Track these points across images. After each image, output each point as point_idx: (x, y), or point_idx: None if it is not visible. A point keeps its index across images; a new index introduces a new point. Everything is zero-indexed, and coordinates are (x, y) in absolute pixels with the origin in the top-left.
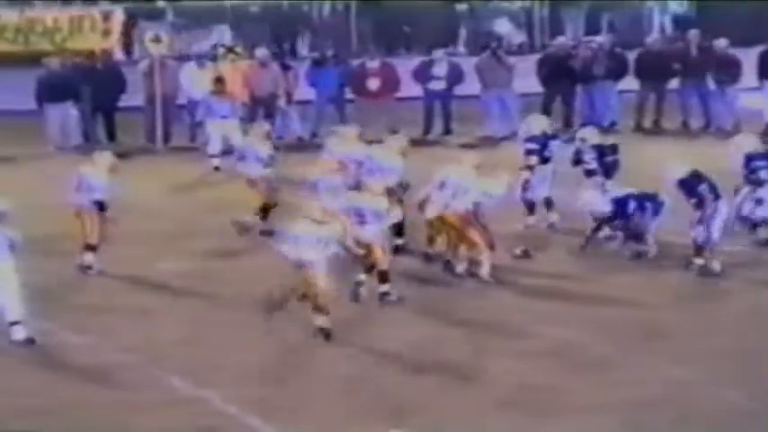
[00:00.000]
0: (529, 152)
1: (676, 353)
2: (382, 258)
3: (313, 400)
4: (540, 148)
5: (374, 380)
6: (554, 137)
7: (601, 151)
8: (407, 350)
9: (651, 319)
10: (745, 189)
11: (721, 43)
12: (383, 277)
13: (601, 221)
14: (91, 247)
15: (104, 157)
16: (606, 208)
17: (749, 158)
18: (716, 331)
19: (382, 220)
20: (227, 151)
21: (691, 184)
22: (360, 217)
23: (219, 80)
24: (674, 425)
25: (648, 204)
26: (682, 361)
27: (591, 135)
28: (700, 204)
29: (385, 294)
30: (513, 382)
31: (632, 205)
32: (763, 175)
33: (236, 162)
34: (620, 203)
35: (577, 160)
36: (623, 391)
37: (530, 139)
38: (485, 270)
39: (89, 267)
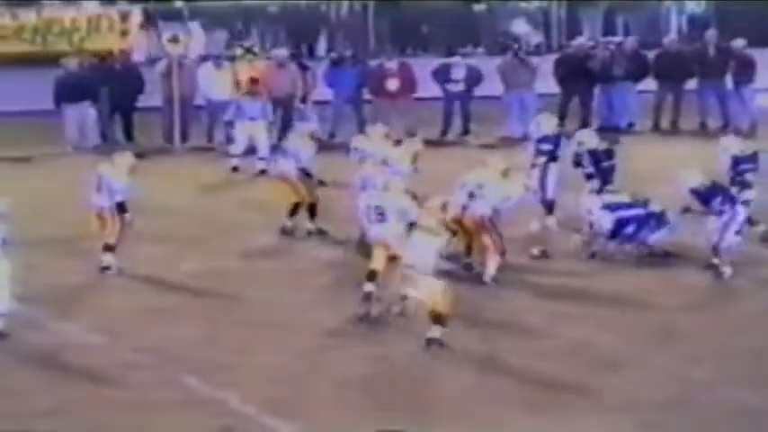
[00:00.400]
0: (542, 152)
1: (691, 353)
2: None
3: (329, 400)
4: (554, 148)
5: (389, 380)
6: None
7: (596, 156)
8: (422, 350)
9: (665, 319)
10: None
11: (739, 43)
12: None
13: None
14: (109, 248)
15: (125, 158)
16: (607, 225)
17: (736, 161)
18: (730, 331)
19: (405, 219)
20: (249, 151)
21: (705, 196)
22: (380, 215)
23: (254, 81)
24: (689, 425)
25: (652, 222)
26: (697, 361)
27: (588, 138)
28: (714, 212)
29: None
30: (528, 382)
31: (631, 228)
32: (749, 177)
33: (275, 160)
34: (620, 224)
35: (577, 162)
36: (639, 391)
37: (543, 140)
38: (489, 273)
39: (107, 268)
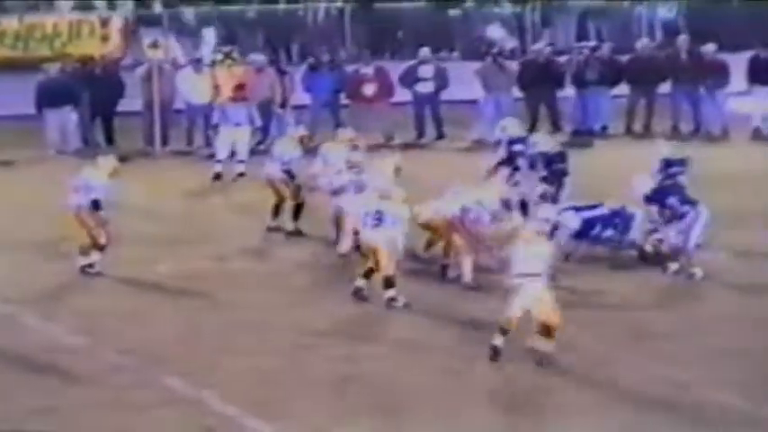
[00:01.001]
0: (518, 153)
1: (665, 353)
2: (387, 263)
3: (309, 400)
4: (525, 149)
5: (368, 379)
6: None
7: (548, 159)
8: (401, 350)
9: (640, 320)
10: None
11: (710, 48)
12: (388, 282)
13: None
14: (100, 247)
15: (108, 161)
16: (574, 225)
17: (668, 163)
18: (701, 332)
19: (399, 227)
20: (230, 155)
21: (659, 197)
22: (377, 220)
23: (240, 87)
24: (664, 423)
25: (617, 221)
26: (670, 361)
27: (542, 141)
28: (675, 216)
29: (392, 300)
30: (506, 381)
31: (597, 229)
32: (681, 180)
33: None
34: (587, 224)
35: (532, 165)
36: (614, 390)
37: (516, 141)
38: (465, 274)
39: (90, 266)
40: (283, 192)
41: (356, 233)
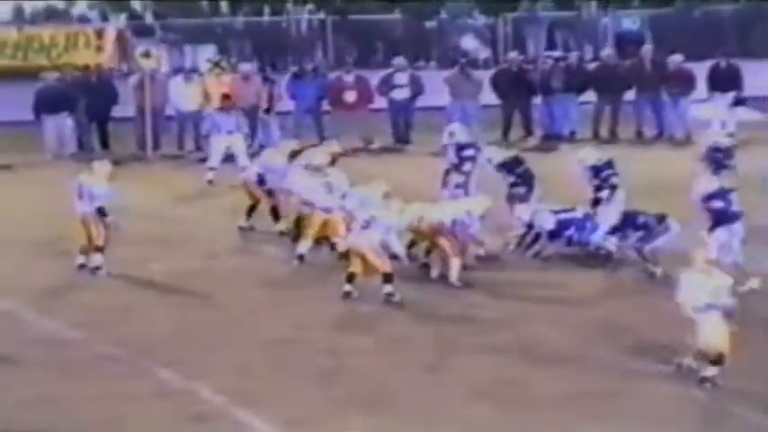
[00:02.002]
0: (468, 158)
1: (631, 347)
2: (381, 262)
3: (294, 391)
4: (476, 153)
5: (352, 373)
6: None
7: (509, 167)
8: (383, 345)
9: (608, 315)
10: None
11: (676, 58)
12: (387, 278)
13: (532, 232)
14: (99, 249)
15: (103, 166)
16: (549, 226)
17: (597, 169)
18: (666, 326)
19: (387, 232)
20: (225, 160)
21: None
22: (366, 223)
23: (227, 96)
24: (630, 413)
25: (588, 224)
26: (636, 354)
27: (495, 153)
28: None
29: (389, 295)
30: (482, 375)
31: (572, 230)
32: (614, 180)
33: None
34: (561, 225)
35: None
36: (583, 382)
37: (468, 146)
38: (454, 275)
39: (98, 268)
40: (258, 195)
41: (327, 238)
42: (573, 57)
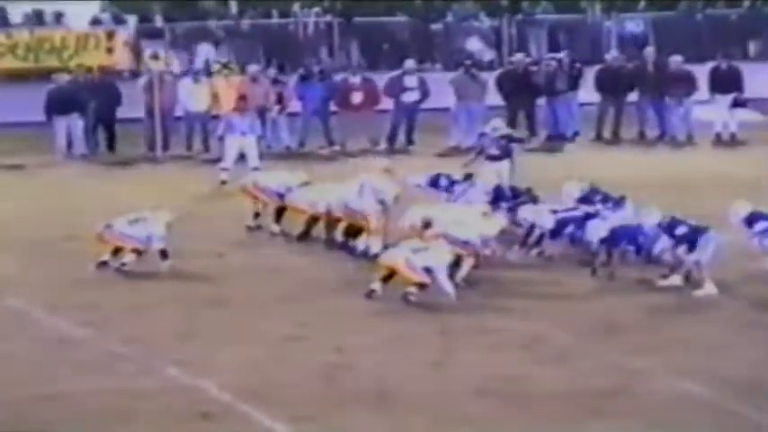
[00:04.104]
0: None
1: (631, 344)
2: (412, 274)
3: (300, 388)
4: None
5: (357, 370)
6: None
7: (509, 138)
8: (388, 342)
9: (607, 313)
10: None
11: (677, 60)
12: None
13: (533, 232)
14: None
15: (163, 216)
16: (549, 225)
17: (586, 198)
18: (665, 325)
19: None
20: (237, 160)
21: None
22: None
23: (242, 98)
24: (630, 411)
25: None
26: (636, 352)
27: (500, 125)
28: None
29: (409, 294)
30: (484, 372)
31: (571, 228)
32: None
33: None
34: (561, 224)
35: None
36: (584, 379)
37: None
38: (461, 275)
39: (124, 264)
40: (262, 198)
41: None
42: (565, 56)
